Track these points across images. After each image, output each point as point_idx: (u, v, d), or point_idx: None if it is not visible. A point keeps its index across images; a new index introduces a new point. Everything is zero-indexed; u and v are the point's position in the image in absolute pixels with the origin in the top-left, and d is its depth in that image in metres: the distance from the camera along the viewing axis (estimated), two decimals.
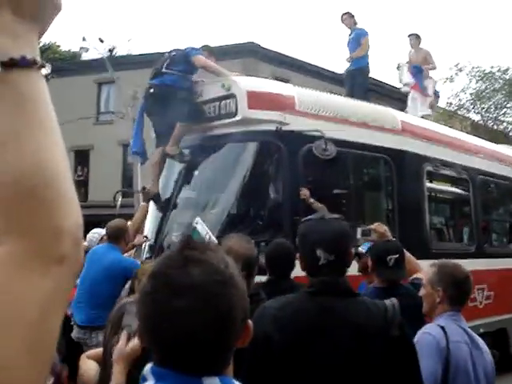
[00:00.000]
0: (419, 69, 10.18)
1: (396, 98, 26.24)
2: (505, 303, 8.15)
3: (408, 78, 10.17)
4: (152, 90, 6.10)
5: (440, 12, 77.06)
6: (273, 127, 5.59)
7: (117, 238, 5.44)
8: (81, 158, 30.47)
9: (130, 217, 16.40)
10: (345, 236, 2.50)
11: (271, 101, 5.74)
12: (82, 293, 5.26)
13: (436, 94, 10.81)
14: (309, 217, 2.60)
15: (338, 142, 5.60)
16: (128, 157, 27.79)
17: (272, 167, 5.93)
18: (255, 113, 5.67)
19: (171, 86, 5.96)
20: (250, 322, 1.27)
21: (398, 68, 10.50)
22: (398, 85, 11.22)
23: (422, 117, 9.13)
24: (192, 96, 6.04)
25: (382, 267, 3.89)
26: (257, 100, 5.71)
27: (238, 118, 5.72)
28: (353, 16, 9.93)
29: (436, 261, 3.36)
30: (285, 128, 5.60)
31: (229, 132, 5.88)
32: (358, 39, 9.64)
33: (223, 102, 5.88)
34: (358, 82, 9.34)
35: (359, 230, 5.35)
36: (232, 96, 5.77)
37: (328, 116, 5.98)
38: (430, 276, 3.23)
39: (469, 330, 3.23)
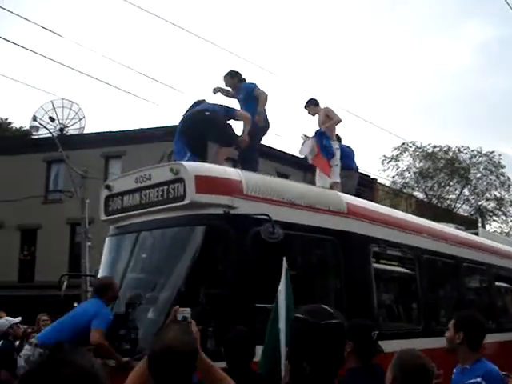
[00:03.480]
0: (320, 132, 9.02)
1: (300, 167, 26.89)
2: None
3: (306, 149, 9.05)
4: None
5: (382, 95, 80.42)
6: (221, 211, 5.64)
7: (100, 291, 5.88)
8: (28, 237, 29.86)
9: (76, 298, 15.91)
10: (337, 347, 2.30)
11: (219, 185, 5.82)
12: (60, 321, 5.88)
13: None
14: (302, 314, 2.32)
15: (285, 225, 5.68)
16: (76, 234, 27.44)
17: (220, 251, 5.94)
18: (203, 197, 5.73)
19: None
20: None
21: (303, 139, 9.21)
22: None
23: (331, 186, 8.42)
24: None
25: (366, 345, 3.87)
26: (205, 184, 5.78)
27: (186, 201, 5.77)
28: (236, 74, 8.53)
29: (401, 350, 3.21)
30: (232, 212, 5.66)
31: (177, 216, 5.92)
32: (250, 94, 8.22)
33: (171, 185, 5.94)
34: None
35: None
36: (180, 180, 5.83)
37: (275, 199, 6.08)
38: (392, 361, 3.10)
39: None
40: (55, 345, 1.39)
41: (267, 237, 5.39)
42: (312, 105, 9.38)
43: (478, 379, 3.88)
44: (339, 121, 9.29)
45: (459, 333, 4.04)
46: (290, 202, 6.26)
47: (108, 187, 6.84)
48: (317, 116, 9.35)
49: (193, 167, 5.99)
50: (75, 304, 18.66)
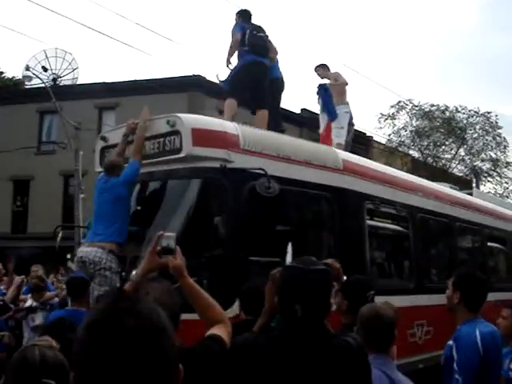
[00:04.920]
0: (324, 88, 9.19)
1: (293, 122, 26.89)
2: (444, 338, 8.27)
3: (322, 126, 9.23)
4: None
5: (382, 51, 79.54)
6: (217, 165, 5.60)
7: (111, 170, 5.93)
8: (20, 188, 29.81)
9: (70, 249, 15.99)
10: (325, 291, 2.51)
11: (216, 138, 5.77)
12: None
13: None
14: (292, 263, 2.58)
15: (281, 180, 5.66)
16: (70, 186, 27.42)
17: (215, 204, 5.93)
18: (200, 150, 5.68)
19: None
20: (181, 366, 1.33)
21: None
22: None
23: (336, 145, 8.42)
24: None
25: (360, 304, 3.67)
26: (201, 137, 5.72)
27: (182, 154, 5.71)
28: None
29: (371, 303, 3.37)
30: (229, 166, 5.62)
31: (173, 168, 5.88)
32: None
33: (168, 138, 5.87)
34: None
35: None
36: (177, 133, 5.76)
37: (271, 154, 6.05)
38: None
39: (394, 374, 3.13)
40: (115, 291, 1.34)
41: (263, 191, 5.38)
42: (321, 68, 9.49)
43: (451, 342, 3.74)
44: (345, 83, 9.40)
45: (456, 292, 3.79)
46: (286, 157, 6.22)
47: (103, 138, 6.79)
48: (325, 80, 9.46)
49: (189, 120, 5.92)
50: (68, 256, 18.87)
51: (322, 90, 9.12)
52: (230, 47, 7.74)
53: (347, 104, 9.19)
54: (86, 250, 5.71)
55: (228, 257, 5.49)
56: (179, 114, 5.93)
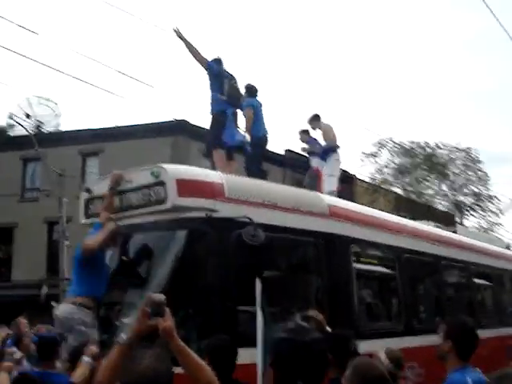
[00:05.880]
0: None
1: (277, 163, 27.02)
2: (436, 380, 8.21)
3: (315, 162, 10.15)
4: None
5: (361, 90, 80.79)
6: (202, 214, 5.61)
7: None
8: (4, 235, 29.48)
9: (55, 297, 15.78)
10: (324, 361, 2.55)
11: (200, 188, 5.78)
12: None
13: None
14: (286, 333, 2.53)
15: (267, 228, 5.65)
16: (54, 233, 27.22)
17: (202, 255, 5.90)
18: (185, 200, 5.68)
19: None
20: None
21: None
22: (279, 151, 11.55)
23: (328, 193, 8.92)
24: None
25: (344, 357, 3.69)
26: (186, 187, 5.73)
27: (167, 205, 5.71)
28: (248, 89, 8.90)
29: (356, 360, 3.32)
30: (214, 215, 5.63)
31: (158, 219, 5.87)
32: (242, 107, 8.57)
33: (152, 189, 5.88)
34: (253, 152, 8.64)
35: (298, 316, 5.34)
36: (161, 183, 5.77)
37: (257, 202, 6.07)
38: (346, 374, 3.04)
39: None
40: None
41: (249, 239, 5.35)
42: (314, 121, 10.06)
43: None
44: (324, 131, 9.95)
45: (448, 341, 3.83)
46: (272, 204, 6.24)
47: (88, 190, 6.78)
48: (318, 131, 10.05)
49: (174, 170, 5.94)
50: (53, 304, 18.63)
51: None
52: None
53: (337, 152, 9.64)
54: (59, 308, 5.85)
55: (216, 307, 5.44)
56: (163, 165, 5.95)
